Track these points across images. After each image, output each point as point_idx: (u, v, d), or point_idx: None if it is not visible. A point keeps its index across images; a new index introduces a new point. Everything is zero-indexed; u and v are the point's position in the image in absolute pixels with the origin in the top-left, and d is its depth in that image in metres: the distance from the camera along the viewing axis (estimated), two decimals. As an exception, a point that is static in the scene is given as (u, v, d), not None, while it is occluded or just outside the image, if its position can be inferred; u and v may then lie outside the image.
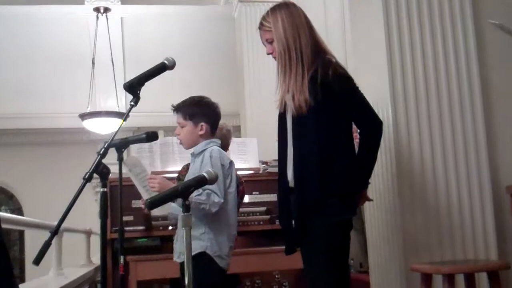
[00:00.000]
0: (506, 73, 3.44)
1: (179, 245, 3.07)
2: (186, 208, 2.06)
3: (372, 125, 2.73)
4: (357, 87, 2.75)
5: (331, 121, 2.67)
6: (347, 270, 2.77)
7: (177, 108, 3.17)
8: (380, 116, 3.27)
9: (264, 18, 2.83)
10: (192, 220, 2.86)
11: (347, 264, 2.75)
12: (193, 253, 2.97)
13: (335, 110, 2.67)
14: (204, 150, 3.13)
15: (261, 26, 2.84)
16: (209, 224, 3.05)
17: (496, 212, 3.26)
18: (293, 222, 2.74)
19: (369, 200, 3.01)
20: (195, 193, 2.81)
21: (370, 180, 2.94)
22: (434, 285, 2.92)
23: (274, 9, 2.80)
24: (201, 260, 2.94)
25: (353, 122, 2.76)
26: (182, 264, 3.03)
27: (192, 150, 3.21)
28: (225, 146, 4.01)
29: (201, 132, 3.17)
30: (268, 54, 2.86)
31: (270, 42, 2.81)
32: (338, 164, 2.65)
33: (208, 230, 3.06)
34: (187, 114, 3.16)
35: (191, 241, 2.08)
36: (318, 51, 2.77)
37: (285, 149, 2.81)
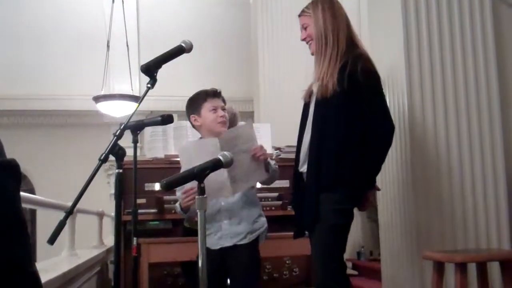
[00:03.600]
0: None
1: (239, 228, 3.03)
2: (202, 190, 2.07)
3: (384, 128, 2.76)
4: (381, 87, 2.84)
5: (352, 112, 2.73)
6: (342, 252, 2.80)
7: (220, 93, 3.13)
8: (395, 103, 3.27)
9: (306, 6, 2.96)
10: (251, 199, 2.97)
11: (344, 247, 2.79)
12: (259, 232, 3.04)
13: (357, 102, 2.73)
14: None
15: (302, 12, 2.98)
16: (260, 205, 3.16)
17: (510, 201, 3.25)
18: (304, 206, 2.81)
19: (374, 205, 3.05)
20: (272, 162, 3.02)
21: (381, 182, 3.00)
22: (446, 274, 2.92)
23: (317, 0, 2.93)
24: (256, 241, 3.05)
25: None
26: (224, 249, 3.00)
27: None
28: None
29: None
30: (302, 40, 2.98)
31: (306, 27, 2.93)
32: (351, 155, 2.71)
33: (261, 210, 3.15)
34: (225, 103, 3.17)
35: (205, 223, 2.08)
36: (353, 44, 2.87)
37: (302, 136, 2.91)
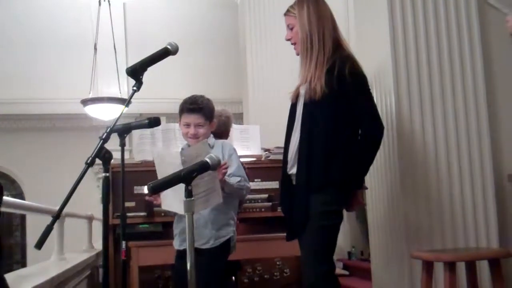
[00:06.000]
0: (510, 62, 3.43)
1: (204, 231, 3.07)
2: (189, 193, 2.06)
3: (373, 128, 2.76)
4: (369, 88, 2.83)
5: (341, 113, 2.73)
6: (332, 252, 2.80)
7: (200, 109, 3.15)
8: (383, 101, 3.28)
9: (291, 6, 2.93)
10: (221, 206, 2.92)
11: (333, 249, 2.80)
12: (223, 239, 3.06)
13: (345, 104, 2.73)
14: (209, 143, 3.17)
15: (287, 12, 2.95)
16: (234, 210, 3.16)
17: (498, 200, 3.27)
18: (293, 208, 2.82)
19: (362, 204, 3.04)
20: (234, 179, 3.04)
21: (367, 185, 3.00)
22: (435, 273, 2.93)
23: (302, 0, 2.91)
24: (225, 246, 3.09)
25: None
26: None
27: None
28: (225, 132, 4.03)
29: (212, 129, 3.28)
30: (287, 40, 2.96)
31: (291, 28, 2.91)
32: (340, 156, 2.71)
33: (233, 216, 3.17)
34: (208, 116, 3.20)
35: (193, 226, 2.08)
36: (339, 46, 2.86)
37: (289, 138, 2.90)
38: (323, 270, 2.68)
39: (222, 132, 4.04)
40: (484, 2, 2.57)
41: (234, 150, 3.28)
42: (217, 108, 4.22)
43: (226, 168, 2.96)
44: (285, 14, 2.97)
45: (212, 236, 3.05)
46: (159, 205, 3.05)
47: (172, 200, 2.78)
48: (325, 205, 2.69)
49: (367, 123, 2.75)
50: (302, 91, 2.84)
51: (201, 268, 2.96)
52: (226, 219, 3.13)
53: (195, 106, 3.14)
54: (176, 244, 3.22)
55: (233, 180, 3.06)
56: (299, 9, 2.88)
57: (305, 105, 2.80)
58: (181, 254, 3.06)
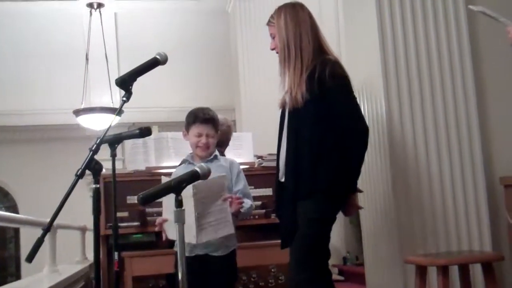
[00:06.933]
0: (500, 64, 3.44)
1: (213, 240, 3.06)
2: (179, 203, 2.06)
3: (358, 129, 2.75)
4: (351, 89, 2.80)
5: (325, 118, 2.72)
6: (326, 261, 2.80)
7: (213, 120, 3.19)
8: (373, 109, 3.29)
9: (271, 15, 2.94)
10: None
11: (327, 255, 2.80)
12: (231, 249, 3.11)
13: (329, 107, 2.72)
14: (216, 155, 3.23)
15: (268, 21, 2.97)
16: (235, 223, 3.14)
17: (490, 204, 3.27)
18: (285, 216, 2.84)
19: (359, 208, 3.03)
20: (246, 204, 3.05)
21: (362, 188, 2.99)
22: (429, 277, 2.93)
23: (280, 7, 2.93)
24: (233, 256, 3.15)
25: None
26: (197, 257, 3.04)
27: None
28: (225, 142, 4.05)
29: (216, 141, 3.27)
30: (271, 49, 2.97)
31: (274, 37, 2.92)
32: (326, 162, 2.70)
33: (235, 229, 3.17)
34: (217, 128, 3.23)
35: (184, 236, 2.08)
36: (320, 51, 2.85)
37: (280, 145, 2.91)
38: (303, 278, 2.68)
39: (223, 142, 4.05)
40: (480, 12, 2.56)
41: (240, 167, 3.31)
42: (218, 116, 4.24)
43: (241, 202, 2.98)
44: (267, 24, 2.98)
45: (221, 244, 3.06)
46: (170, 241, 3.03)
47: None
48: (311, 213, 2.69)
49: (350, 125, 2.73)
50: (287, 99, 2.85)
51: (212, 274, 3.03)
52: (232, 232, 3.14)
53: (209, 117, 3.17)
54: (188, 250, 3.16)
55: (246, 206, 3.08)
56: (277, 18, 2.89)
57: (289, 113, 2.82)
58: (189, 261, 3.05)
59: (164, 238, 2.99)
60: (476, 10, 2.57)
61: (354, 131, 2.73)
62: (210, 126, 3.16)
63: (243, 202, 3.01)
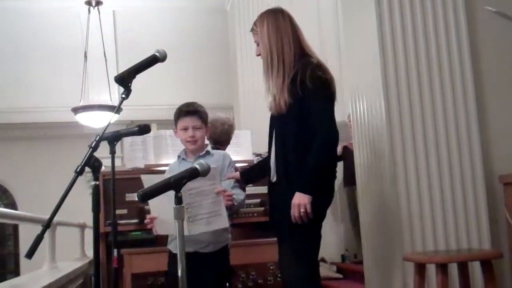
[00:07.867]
0: (498, 62, 3.45)
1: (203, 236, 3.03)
2: (179, 200, 2.06)
3: (327, 134, 2.75)
4: (329, 93, 2.82)
5: (309, 121, 2.76)
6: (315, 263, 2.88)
7: (196, 111, 3.17)
8: (373, 106, 3.29)
9: (254, 22, 2.98)
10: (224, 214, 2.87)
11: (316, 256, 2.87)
12: (222, 245, 3.10)
13: (309, 109, 2.77)
14: (208, 150, 3.22)
15: (251, 29, 3.01)
16: (229, 217, 3.13)
17: (489, 201, 3.27)
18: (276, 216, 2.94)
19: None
20: (239, 194, 3.06)
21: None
22: (428, 275, 2.94)
23: (262, 15, 2.96)
24: (225, 252, 3.14)
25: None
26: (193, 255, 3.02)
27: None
28: (226, 141, 4.06)
29: (207, 135, 3.29)
30: (257, 56, 3.03)
31: (258, 44, 2.97)
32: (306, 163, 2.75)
33: (229, 223, 3.15)
34: (204, 119, 3.21)
35: (183, 232, 2.08)
36: (303, 54, 2.89)
37: (270, 149, 2.98)
38: (299, 275, 2.76)
39: (224, 141, 4.06)
40: (496, 13, 2.56)
41: (231, 159, 3.33)
42: (220, 115, 4.24)
43: (232, 196, 2.95)
44: (251, 31, 3.02)
45: (211, 241, 3.05)
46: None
47: (167, 224, 2.72)
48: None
49: (319, 127, 2.74)
50: (273, 105, 2.89)
51: (202, 271, 3.01)
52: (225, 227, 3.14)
53: (192, 109, 3.17)
54: (173, 247, 3.18)
55: (238, 198, 3.07)
56: (260, 26, 2.93)
57: (276, 119, 2.88)
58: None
59: (155, 233, 3.00)
60: (494, 11, 2.57)
61: (320, 134, 2.74)
62: (195, 117, 3.15)
63: (232, 195, 2.96)
